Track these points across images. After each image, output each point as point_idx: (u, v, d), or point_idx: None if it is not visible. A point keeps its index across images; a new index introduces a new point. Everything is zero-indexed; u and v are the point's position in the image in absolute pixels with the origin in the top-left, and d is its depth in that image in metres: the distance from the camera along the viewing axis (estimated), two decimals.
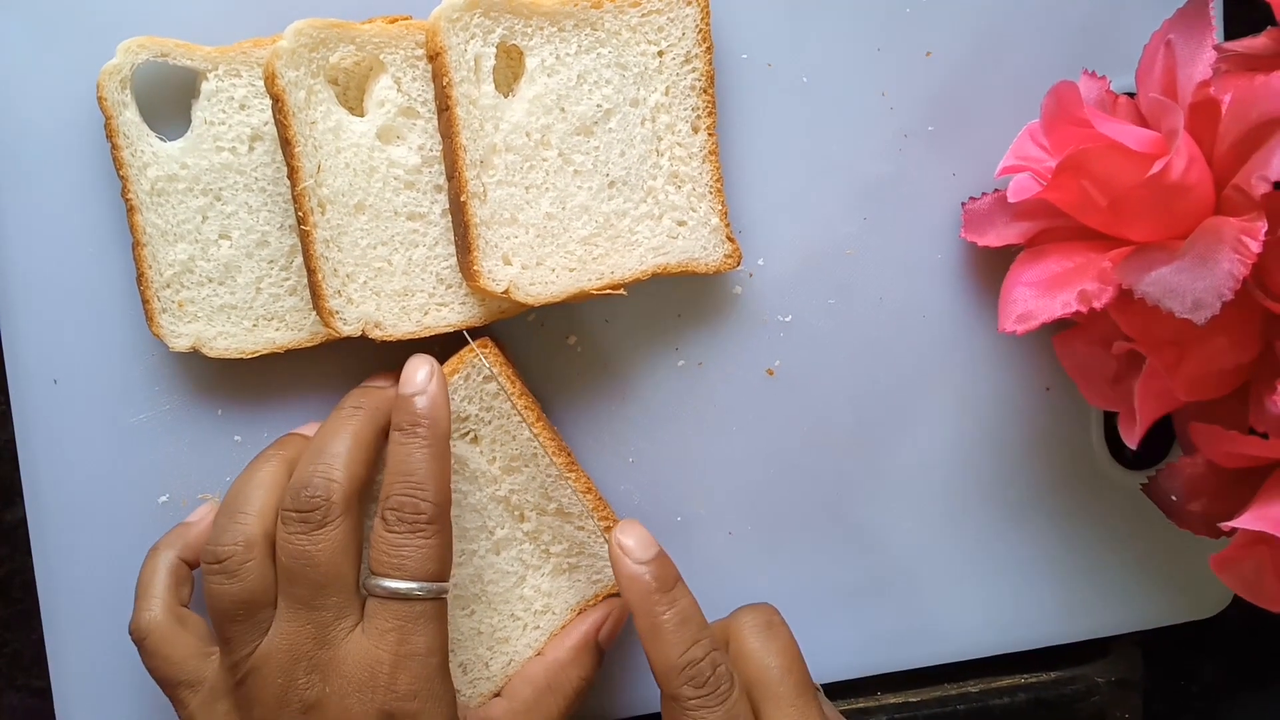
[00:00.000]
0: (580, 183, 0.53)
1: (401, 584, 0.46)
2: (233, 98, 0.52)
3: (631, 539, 0.49)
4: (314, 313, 0.53)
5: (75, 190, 0.53)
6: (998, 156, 0.55)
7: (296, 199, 0.50)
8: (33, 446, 0.55)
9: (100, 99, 0.51)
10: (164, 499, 0.55)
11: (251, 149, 0.52)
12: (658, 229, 0.54)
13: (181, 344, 0.53)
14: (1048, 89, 0.52)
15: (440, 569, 0.48)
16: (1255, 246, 0.43)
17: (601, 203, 0.53)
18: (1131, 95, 0.53)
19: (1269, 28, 0.49)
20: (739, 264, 0.55)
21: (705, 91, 0.54)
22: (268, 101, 0.52)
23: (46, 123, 0.53)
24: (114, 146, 0.51)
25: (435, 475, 0.48)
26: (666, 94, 0.54)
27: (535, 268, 0.52)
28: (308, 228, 0.50)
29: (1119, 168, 0.48)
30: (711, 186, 0.55)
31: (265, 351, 0.53)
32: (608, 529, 0.53)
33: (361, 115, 0.52)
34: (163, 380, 0.55)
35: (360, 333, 0.52)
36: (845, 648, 0.60)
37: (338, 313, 0.51)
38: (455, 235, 0.52)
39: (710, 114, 0.55)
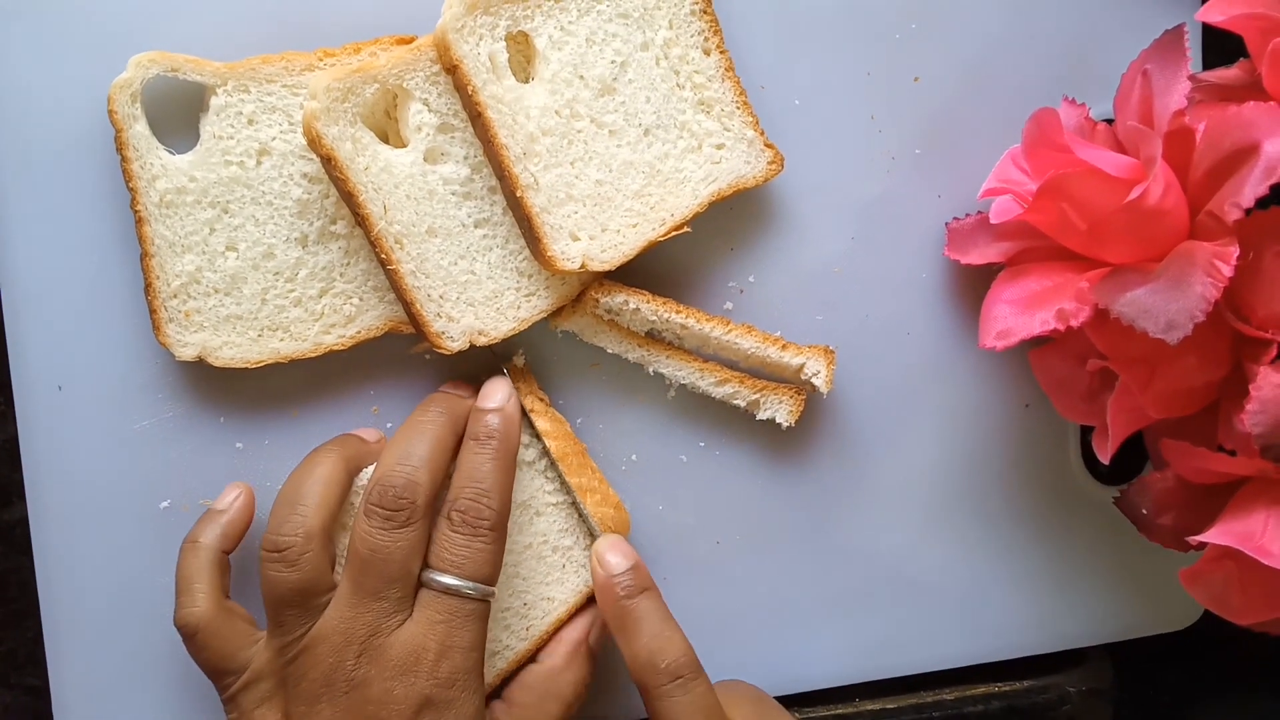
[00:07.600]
0: (618, 141, 0.54)
1: (457, 581, 0.49)
2: (241, 113, 0.52)
3: (611, 551, 0.52)
4: (317, 324, 0.54)
5: (85, 201, 0.54)
6: (981, 179, 0.56)
7: (375, 242, 0.51)
8: (36, 451, 0.55)
9: (111, 112, 0.51)
10: (165, 504, 0.56)
11: (259, 163, 0.53)
12: (701, 159, 0.55)
13: (187, 353, 0.53)
14: (1030, 115, 0.53)
15: (492, 573, 0.50)
16: (1227, 270, 0.45)
17: (642, 153, 0.54)
18: (1110, 122, 0.54)
19: (1241, 59, 0.50)
20: (783, 167, 0.56)
21: (705, 12, 0.55)
22: (275, 116, 0.53)
23: (57, 134, 0.53)
24: (124, 159, 0.52)
25: (501, 486, 0.51)
26: (671, 27, 0.55)
27: (601, 235, 0.54)
28: (394, 266, 0.51)
29: (1097, 192, 0.49)
30: (737, 102, 0.56)
31: (269, 361, 0.54)
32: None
33: (401, 144, 0.53)
34: (166, 388, 0.55)
35: (468, 345, 0.53)
36: (825, 655, 0.61)
37: (444, 333, 0.53)
38: (520, 228, 0.54)
39: (716, 33, 0.55)
